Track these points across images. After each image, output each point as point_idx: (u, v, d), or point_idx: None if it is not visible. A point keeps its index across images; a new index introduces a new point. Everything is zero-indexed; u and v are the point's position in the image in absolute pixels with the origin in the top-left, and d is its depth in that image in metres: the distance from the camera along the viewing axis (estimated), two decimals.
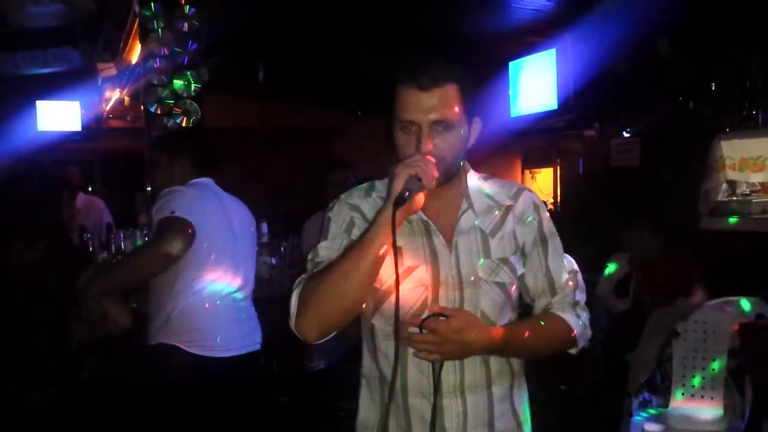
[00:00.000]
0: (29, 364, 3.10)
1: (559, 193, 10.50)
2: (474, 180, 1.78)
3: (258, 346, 3.00)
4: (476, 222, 1.72)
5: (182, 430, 2.79)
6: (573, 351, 1.84)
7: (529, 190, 1.82)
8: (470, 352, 1.63)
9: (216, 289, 2.84)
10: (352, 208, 1.75)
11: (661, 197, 6.06)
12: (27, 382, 3.08)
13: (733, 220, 5.19)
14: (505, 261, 1.71)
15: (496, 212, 1.75)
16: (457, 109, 1.63)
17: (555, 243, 1.80)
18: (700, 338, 3.82)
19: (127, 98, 9.05)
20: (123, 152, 9.35)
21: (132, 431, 2.84)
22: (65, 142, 8.91)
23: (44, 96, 8.83)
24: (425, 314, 1.62)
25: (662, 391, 3.89)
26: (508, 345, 1.66)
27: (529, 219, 1.76)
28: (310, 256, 1.74)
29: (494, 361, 1.71)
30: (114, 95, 9.17)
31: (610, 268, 5.35)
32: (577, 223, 7.27)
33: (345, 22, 6.77)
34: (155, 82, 5.41)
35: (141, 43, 5.62)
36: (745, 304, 3.90)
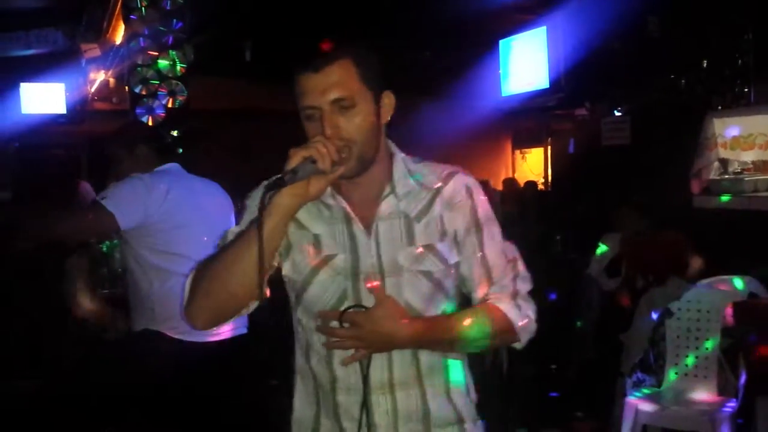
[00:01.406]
0: (17, 352, 3.07)
1: (549, 173, 10.49)
2: (400, 163, 1.65)
3: (244, 330, 2.95)
4: (400, 206, 1.61)
5: (169, 416, 2.76)
6: (517, 345, 1.70)
7: (464, 173, 1.68)
8: (394, 345, 1.54)
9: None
10: None
11: (653, 176, 6.03)
12: (14, 370, 3.05)
13: (725, 198, 5.16)
14: (430, 248, 1.59)
15: (423, 196, 1.62)
16: (357, 84, 1.52)
17: (492, 229, 1.67)
18: (694, 317, 3.80)
19: (112, 80, 8.94)
20: (109, 134, 9.24)
21: (117, 418, 2.80)
22: (50, 124, 8.80)
23: (28, 78, 8.72)
24: (345, 306, 1.53)
25: (656, 370, 3.88)
26: (436, 337, 1.56)
27: (460, 203, 1.63)
28: (219, 242, 1.65)
29: (425, 356, 1.61)
30: (99, 77, 9.06)
31: (602, 247, 5.33)
32: (568, 202, 7.25)
33: (332, 2, 6.68)
34: (140, 63, 5.33)
35: (124, 22, 5.54)
36: (738, 282, 3.89)
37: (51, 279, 3.11)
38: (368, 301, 1.55)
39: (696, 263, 4.52)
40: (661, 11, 6.54)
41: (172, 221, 2.82)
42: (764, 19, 5.79)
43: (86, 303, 2.93)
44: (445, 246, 1.61)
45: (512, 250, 1.71)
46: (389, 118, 1.64)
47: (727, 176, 5.54)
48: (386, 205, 1.61)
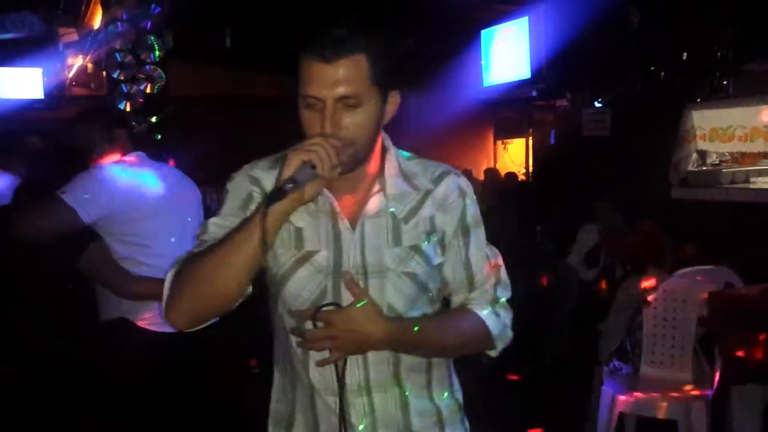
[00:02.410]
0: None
1: (530, 164, 10.52)
2: (393, 160, 1.58)
3: (215, 319, 2.91)
4: (388, 206, 1.54)
5: (143, 406, 2.73)
6: (492, 353, 1.66)
7: (457, 174, 1.63)
8: (369, 347, 1.48)
9: (161, 264, 2.74)
10: (253, 181, 1.57)
11: (632, 167, 6.07)
12: None
13: (703, 190, 5.22)
14: (416, 249, 1.54)
15: (413, 197, 1.57)
16: (367, 83, 1.44)
17: (478, 234, 1.62)
18: (670, 307, 3.83)
19: (90, 65, 8.83)
20: (83, 115, 9.12)
21: (90, 408, 2.77)
22: (27, 110, 8.69)
23: (4, 63, 8.59)
24: (321, 305, 1.47)
25: (632, 359, 3.91)
26: (411, 340, 1.51)
27: (452, 205, 1.58)
28: (198, 231, 1.58)
29: (405, 357, 1.56)
30: (77, 62, 8.94)
31: (581, 237, 5.36)
32: (549, 193, 7.28)
33: None
34: (118, 48, 5.26)
35: (102, 7, 5.47)
36: (715, 272, 3.92)
37: (31, 272, 3.03)
38: (348, 300, 1.48)
39: (689, 251, 4.56)
40: (641, 3, 6.57)
41: (138, 211, 2.76)
42: (743, 12, 5.84)
43: (133, 287, 2.74)
44: (430, 247, 1.56)
45: (496, 256, 1.67)
46: (391, 118, 1.57)
47: (705, 168, 5.59)
48: (374, 204, 1.55)
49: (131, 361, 2.68)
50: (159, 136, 5.07)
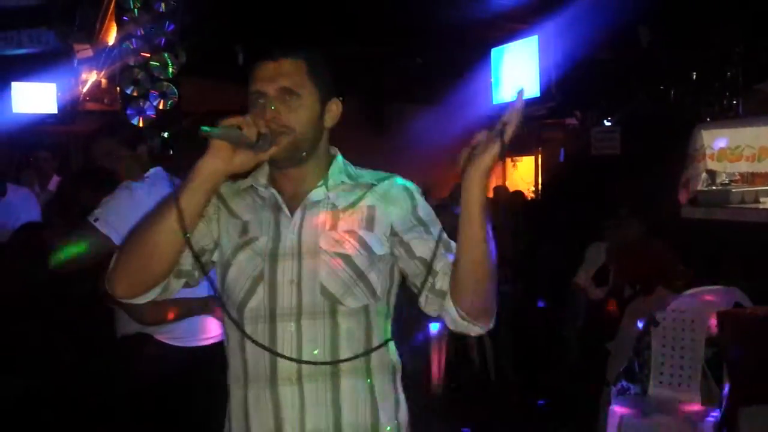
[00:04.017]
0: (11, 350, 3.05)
1: (539, 182, 10.52)
2: (340, 164, 1.70)
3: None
4: (329, 197, 1.64)
5: (157, 419, 2.74)
6: (478, 331, 1.62)
7: (402, 179, 1.71)
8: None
9: None
10: (217, 194, 1.65)
11: (641, 186, 6.06)
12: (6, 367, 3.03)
13: (713, 209, 5.20)
14: (352, 233, 1.60)
15: (355, 192, 1.66)
16: (307, 81, 1.60)
17: (432, 228, 1.63)
18: (679, 327, 3.82)
19: (104, 80, 8.90)
20: (103, 129, 9.19)
21: (106, 420, 2.79)
22: (40, 124, 8.76)
23: (19, 77, 8.67)
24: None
25: (640, 379, 3.90)
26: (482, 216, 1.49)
27: (396, 198, 1.64)
28: None
29: (345, 350, 1.58)
30: (91, 77, 9.02)
31: (589, 256, 5.35)
32: (557, 211, 7.28)
33: (325, 7, 6.69)
34: (132, 64, 5.32)
35: (117, 24, 5.53)
36: (723, 292, 3.91)
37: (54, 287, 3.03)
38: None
39: (688, 276, 4.54)
40: (651, 22, 6.59)
41: None
42: (753, 32, 5.85)
43: (161, 313, 2.66)
44: (372, 236, 1.61)
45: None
46: (333, 124, 1.68)
47: (714, 188, 5.58)
48: (315, 194, 1.64)
49: (150, 376, 2.69)
50: (171, 152, 5.11)
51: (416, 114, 9.56)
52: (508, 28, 7.38)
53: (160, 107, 5.34)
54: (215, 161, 1.51)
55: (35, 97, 8.81)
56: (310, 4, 6.56)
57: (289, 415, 1.57)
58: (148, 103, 5.29)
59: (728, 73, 6.11)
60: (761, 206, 5.41)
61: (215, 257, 1.66)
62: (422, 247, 1.60)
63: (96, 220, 2.59)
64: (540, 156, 10.61)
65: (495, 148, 1.47)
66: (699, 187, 5.61)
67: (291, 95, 1.58)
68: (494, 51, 7.77)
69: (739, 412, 3.48)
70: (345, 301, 1.58)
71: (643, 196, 5.83)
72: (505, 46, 7.63)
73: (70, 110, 9.10)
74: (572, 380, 5.14)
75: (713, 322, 3.71)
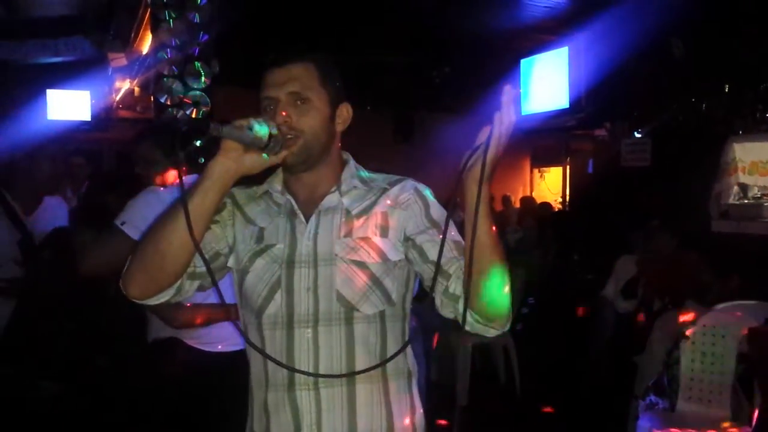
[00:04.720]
0: (46, 353, 3.10)
1: (567, 193, 10.47)
2: (352, 168, 1.71)
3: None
4: (343, 202, 1.65)
5: (185, 423, 2.78)
6: (495, 331, 1.58)
7: (414, 181, 1.70)
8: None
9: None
10: (229, 195, 1.69)
11: (672, 199, 6.02)
12: (41, 371, 3.08)
13: (744, 223, 5.15)
14: (366, 240, 1.60)
15: (368, 196, 1.66)
16: (316, 85, 1.60)
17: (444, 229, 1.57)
18: (709, 342, 3.78)
19: (137, 89, 9.06)
20: (142, 133, 9.32)
21: (137, 424, 2.83)
22: (74, 131, 8.92)
23: (54, 85, 8.84)
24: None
25: (669, 394, 3.86)
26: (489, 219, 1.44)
27: (408, 203, 1.64)
28: None
29: (360, 356, 1.59)
30: (124, 85, 9.19)
31: (618, 268, 5.32)
32: (586, 223, 7.24)
33: (355, 16, 6.75)
34: (165, 73, 5.41)
35: (152, 33, 5.61)
36: (755, 308, 3.86)
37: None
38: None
39: (729, 284, 4.49)
40: (684, 34, 6.55)
41: None
42: None
43: (185, 316, 2.69)
44: (386, 242, 1.61)
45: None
46: (344, 128, 1.69)
47: (746, 201, 5.52)
48: (329, 200, 1.64)
49: (180, 379, 2.73)
50: (203, 160, 5.18)
51: (445, 123, 9.57)
52: (539, 39, 7.38)
53: (193, 116, 5.41)
54: (226, 161, 1.51)
55: (69, 105, 8.97)
56: (343, 14, 6.61)
57: (306, 418, 1.60)
58: (181, 112, 5.37)
59: (761, 86, 6.05)
60: None
61: (231, 263, 1.67)
62: (435, 251, 1.56)
63: (123, 223, 2.61)
64: (568, 167, 10.56)
65: (480, 161, 1.45)
66: (730, 201, 5.56)
67: (301, 99, 1.59)
68: (524, 62, 7.77)
69: None
70: (361, 307, 1.60)
71: (674, 209, 5.78)
72: (535, 56, 7.63)
73: (104, 118, 9.27)
74: (599, 393, 5.10)
75: (744, 337, 3.67)
